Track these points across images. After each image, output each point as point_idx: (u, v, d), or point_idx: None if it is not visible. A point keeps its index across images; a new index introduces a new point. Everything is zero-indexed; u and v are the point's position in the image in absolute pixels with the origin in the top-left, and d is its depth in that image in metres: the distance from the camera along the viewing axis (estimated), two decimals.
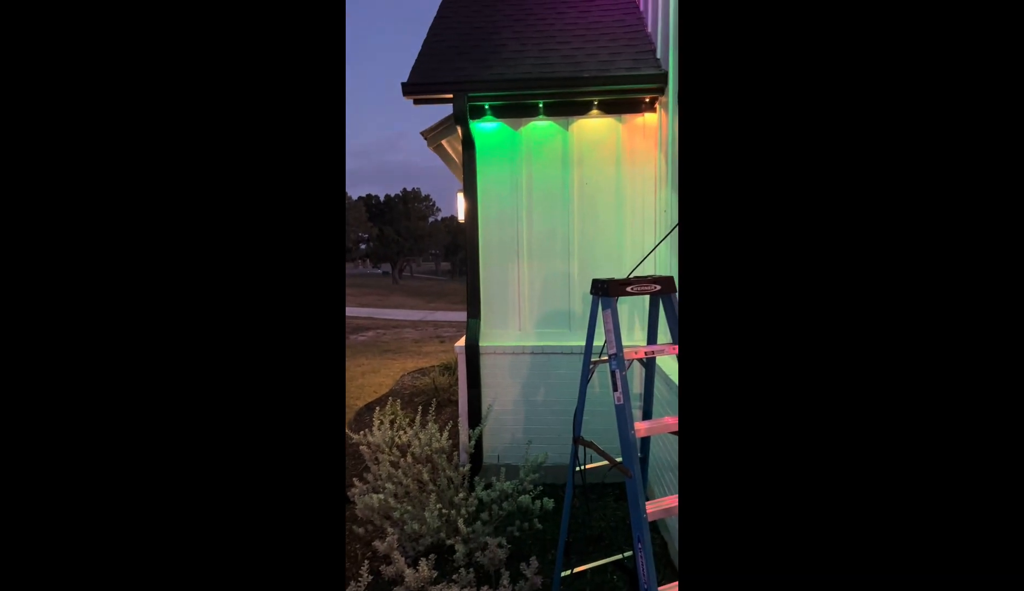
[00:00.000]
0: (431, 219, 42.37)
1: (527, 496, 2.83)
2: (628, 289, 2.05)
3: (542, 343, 3.80)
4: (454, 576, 2.37)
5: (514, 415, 3.86)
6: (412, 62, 3.81)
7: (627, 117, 3.71)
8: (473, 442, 3.44)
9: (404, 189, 39.97)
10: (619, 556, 2.52)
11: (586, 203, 3.79)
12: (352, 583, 2.10)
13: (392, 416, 4.03)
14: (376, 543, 2.45)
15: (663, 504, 1.89)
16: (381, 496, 2.80)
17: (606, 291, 2.03)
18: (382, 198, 40.98)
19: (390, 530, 2.56)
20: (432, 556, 2.43)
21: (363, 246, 42.72)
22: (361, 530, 2.89)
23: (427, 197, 41.21)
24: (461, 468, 3.12)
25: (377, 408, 4.04)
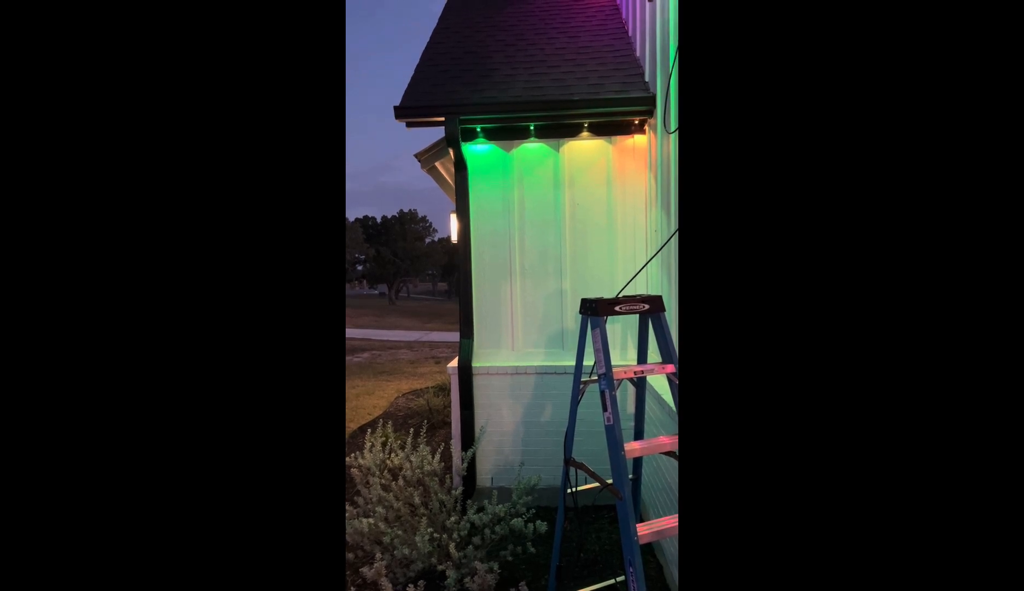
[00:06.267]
0: (428, 240, 42.57)
1: (520, 519, 2.78)
2: (617, 308, 2.05)
3: (535, 363, 3.78)
4: None
5: (508, 436, 3.82)
6: (406, 85, 3.87)
7: (617, 139, 3.76)
8: (466, 464, 3.40)
9: (401, 210, 40.25)
10: (611, 581, 2.46)
11: (578, 223, 3.81)
12: None
13: (384, 438, 3.98)
14: (364, 570, 2.39)
15: (656, 526, 1.86)
16: (371, 520, 2.75)
17: (595, 311, 2.02)
18: (379, 219, 41.22)
19: (379, 556, 2.51)
20: (422, 582, 2.38)
21: (360, 267, 42.82)
22: (351, 556, 2.83)
23: (423, 218, 41.47)
24: (453, 491, 3.07)
25: (369, 430, 3.99)
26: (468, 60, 4.14)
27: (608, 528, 3.31)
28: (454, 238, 3.98)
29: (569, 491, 2.21)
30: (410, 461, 3.17)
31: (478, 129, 3.71)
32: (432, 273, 49.09)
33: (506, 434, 3.82)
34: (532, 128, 3.70)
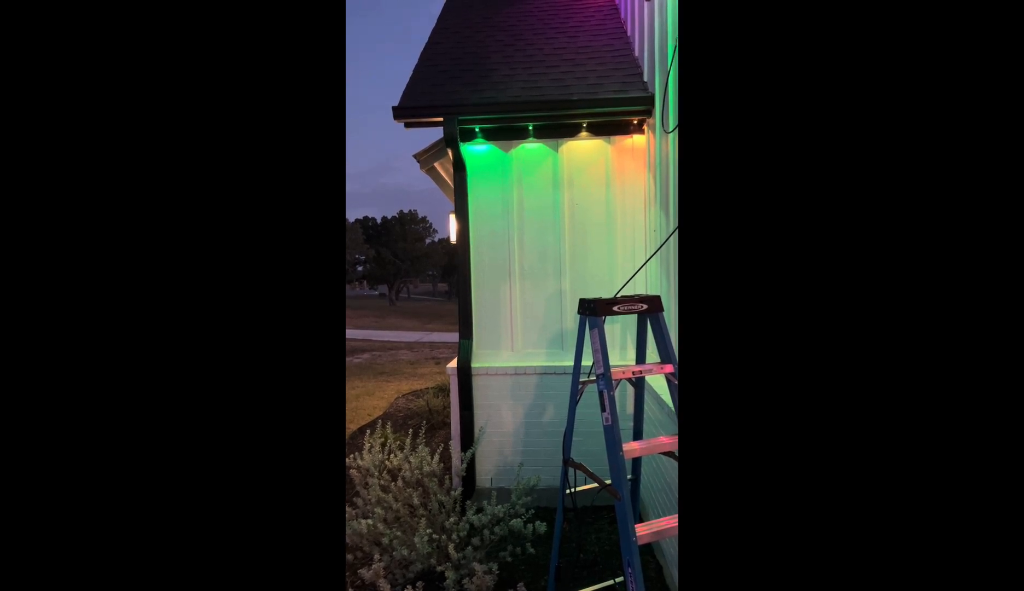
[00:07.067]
0: (428, 240, 42.57)
1: (519, 520, 2.78)
2: (615, 308, 2.05)
3: (535, 363, 3.78)
4: None
5: (507, 437, 3.82)
6: (405, 86, 3.87)
7: (616, 139, 3.76)
8: (465, 465, 3.39)
9: (401, 211, 40.26)
10: (610, 581, 2.46)
11: (577, 224, 3.81)
12: None
13: (383, 439, 3.98)
14: (362, 571, 2.39)
15: (656, 526, 1.86)
16: (370, 521, 2.74)
17: (593, 311, 2.02)
18: (379, 220, 41.22)
19: (378, 557, 2.50)
20: (420, 583, 2.37)
21: (360, 268, 42.81)
22: (349, 557, 2.83)
23: (423, 219, 41.48)
24: (453, 492, 3.07)
25: (368, 431, 3.99)
26: (467, 60, 4.14)
27: (608, 528, 3.31)
28: (453, 239, 3.98)
29: (568, 492, 2.21)
30: (409, 462, 3.17)
31: (477, 129, 3.71)
32: (432, 274, 49.09)
33: (506, 435, 3.82)
34: (531, 128, 3.70)
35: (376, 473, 3.16)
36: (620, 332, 3.83)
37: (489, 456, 3.83)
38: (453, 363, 3.80)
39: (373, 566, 2.40)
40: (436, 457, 3.25)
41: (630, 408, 3.66)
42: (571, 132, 3.73)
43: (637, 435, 2.43)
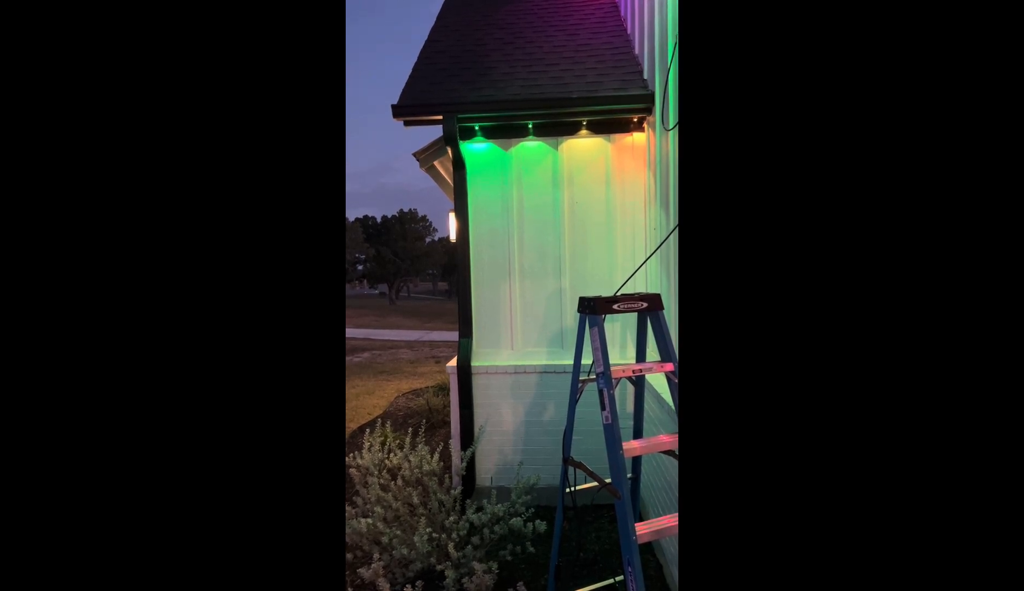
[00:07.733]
0: (428, 239, 42.61)
1: (519, 519, 2.78)
2: (615, 307, 2.05)
3: (535, 362, 3.78)
4: None
5: (507, 436, 3.82)
6: (404, 85, 3.86)
7: (616, 137, 3.75)
8: (465, 464, 3.40)
9: (401, 210, 40.27)
10: (610, 580, 2.46)
11: (577, 222, 3.81)
12: None
13: (383, 438, 3.98)
14: (362, 570, 2.39)
15: (656, 525, 1.86)
16: (369, 520, 2.74)
17: (593, 309, 2.02)
18: (379, 219, 41.24)
19: (377, 556, 2.50)
20: (420, 583, 2.37)
21: (360, 267, 42.83)
22: (349, 556, 2.83)
23: (423, 218, 41.52)
24: (453, 491, 3.07)
25: (368, 430, 3.99)
26: (466, 58, 4.13)
27: (608, 527, 3.31)
28: (453, 237, 3.97)
29: (568, 490, 2.21)
30: (409, 461, 3.17)
31: (476, 127, 3.70)
32: (432, 273, 49.09)
33: (506, 434, 3.82)
34: (530, 126, 3.70)
35: (376, 472, 3.16)
36: (620, 330, 3.82)
37: (489, 455, 3.83)
38: (453, 362, 3.80)
39: (373, 565, 2.40)
40: (436, 456, 3.25)
41: (630, 406, 3.66)
42: (571, 130, 3.73)
43: (637, 434, 2.43)
